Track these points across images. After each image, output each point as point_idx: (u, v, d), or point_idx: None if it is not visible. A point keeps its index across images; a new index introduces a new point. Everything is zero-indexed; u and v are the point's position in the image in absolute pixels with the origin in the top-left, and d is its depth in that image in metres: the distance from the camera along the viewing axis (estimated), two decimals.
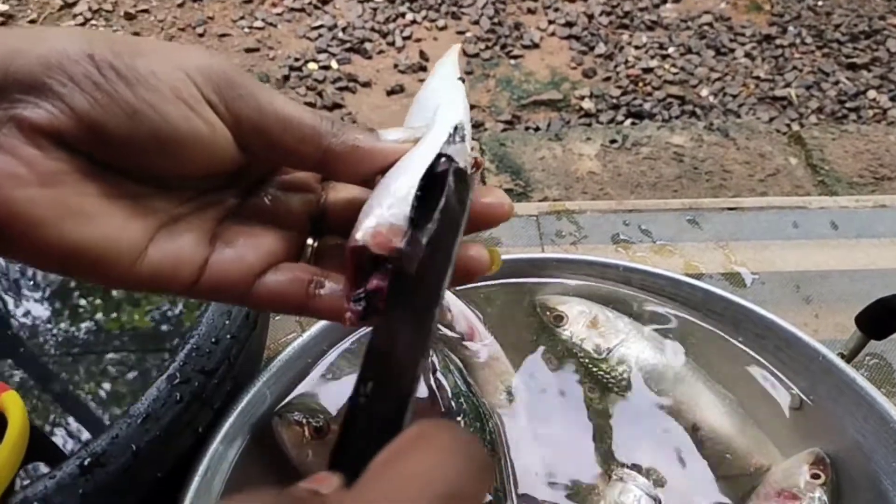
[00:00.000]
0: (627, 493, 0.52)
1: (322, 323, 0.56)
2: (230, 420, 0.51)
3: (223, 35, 2.06)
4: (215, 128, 0.29)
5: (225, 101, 0.29)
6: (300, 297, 0.32)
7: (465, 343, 0.59)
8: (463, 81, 0.37)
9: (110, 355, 0.61)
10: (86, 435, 0.56)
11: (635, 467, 0.54)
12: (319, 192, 0.35)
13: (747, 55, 2.02)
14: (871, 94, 1.90)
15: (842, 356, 0.56)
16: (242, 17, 2.12)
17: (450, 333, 0.59)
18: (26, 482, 0.44)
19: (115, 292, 0.64)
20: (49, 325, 0.63)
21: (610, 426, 0.57)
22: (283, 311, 0.33)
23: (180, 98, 0.28)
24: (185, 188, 0.31)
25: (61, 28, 0.30)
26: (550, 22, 2.12)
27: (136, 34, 1.97)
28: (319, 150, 0.30)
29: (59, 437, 0.56)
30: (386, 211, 0.29)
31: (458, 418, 0.54)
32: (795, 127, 1.76)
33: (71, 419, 0.57)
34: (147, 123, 0.27)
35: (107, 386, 0.60)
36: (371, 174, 0.32)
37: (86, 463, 0.44)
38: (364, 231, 0.29)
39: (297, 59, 1.98)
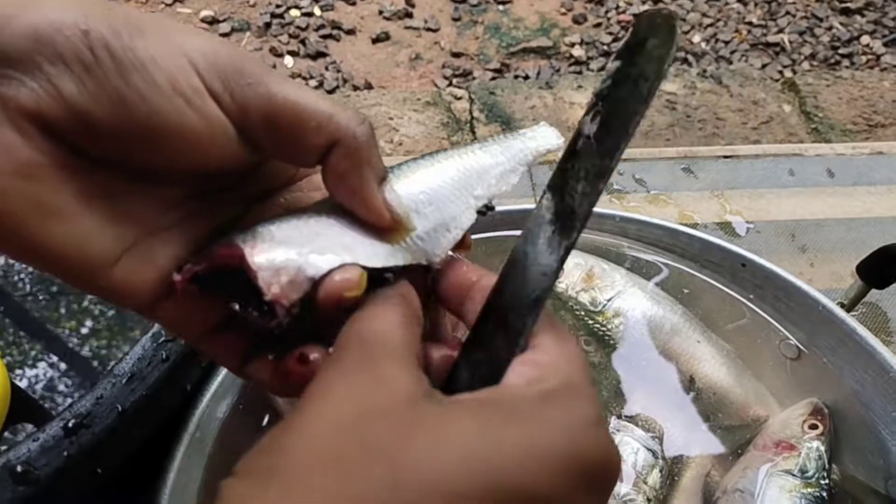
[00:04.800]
0: (625, 446, 0.51)
1: None
2: (219, 378, 0.50)
3: None
4: (213, 123, 0.26)
5: (231, 90, 0.26)
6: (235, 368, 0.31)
7: None
8: (487, 211, 0.33)
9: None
10: (71, 373, 0.55)
11: (632, 419, 0.54)
12: None
13: (740, 0, 1.98)
14: (865, 39, 1.87)
15: (842, 305, 0.56)
16: None
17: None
18: (9, 445, 0.43)
19: None
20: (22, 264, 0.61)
21: (606, 378, 0.56)
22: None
23: (177, 89, 0.25)
24: (177, 186, 0.29)
25: None
26: None
27: None
28: (330, 140, 0.27)
29: (41, 373, 0.55)
30: (306, 258, 0.27)
31: None
32: (788, 73, 1.74)
33: (54, 356, 0.56)
34: (135, 115, 0.25)
35: (89, 323, 0.59)
36: (347, 205, 0.29)
37: (70, 424, 0.43)
38: (274, 277, 0.26)
39: (278, 6, 1.92)
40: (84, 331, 0.59)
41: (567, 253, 0.28)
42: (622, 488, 0.50)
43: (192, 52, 0.26)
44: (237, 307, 0.28)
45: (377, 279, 0.29)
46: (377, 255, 0.29)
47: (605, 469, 0.25)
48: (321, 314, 0.27)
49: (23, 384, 0.54)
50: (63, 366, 0.56)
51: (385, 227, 0.29)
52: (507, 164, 0.33)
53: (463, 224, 0.32)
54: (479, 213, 0.32)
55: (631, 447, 0.52)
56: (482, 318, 0.28)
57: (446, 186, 0.32)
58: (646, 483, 0.51)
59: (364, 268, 0.28)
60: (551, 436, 0.24)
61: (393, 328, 0.27)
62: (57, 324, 0.59)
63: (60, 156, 0.25)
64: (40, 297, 0.60)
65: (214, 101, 0.26)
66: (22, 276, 0.62)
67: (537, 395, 0.25)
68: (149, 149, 0.26)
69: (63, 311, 0.60)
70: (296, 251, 0.27)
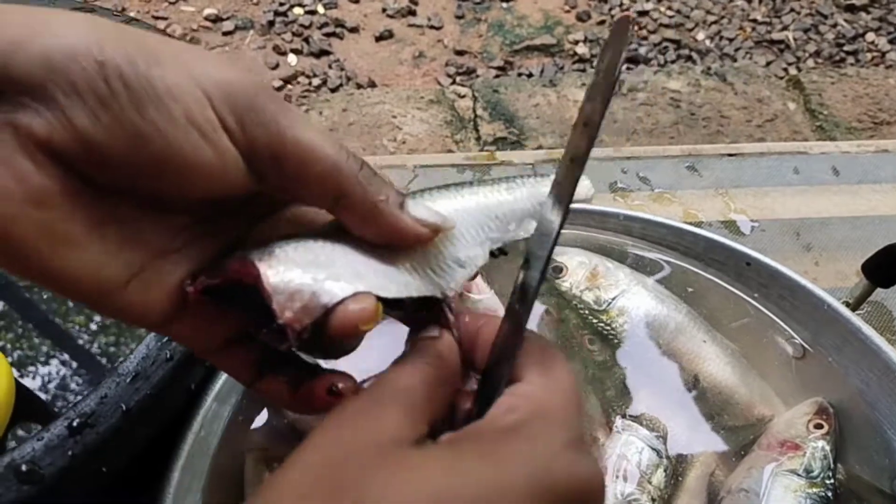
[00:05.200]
0: (629, 445, 0.51)
1: None
2: (223, 377, 0.50)
3: None
4: (226, 156, 0.26)
5: (242, 124, 0.26)
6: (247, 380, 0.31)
7: (463, 296, 0.58)
8: (499, 254, 0.33)
9: None
10: (81, 370, 0.55)
11: (636, 419, 0.54)
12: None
13: None
14: (870, 36, 1.87)
15: (847, 304, 0.55)
16: None
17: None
18: (13, 443, 0.43)
19: None
20: None
21: (610, 378, 0.56)
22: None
23: (193, 123, 0.25)
24: (185, 212, 0.29)
25: (71, 16, 0.25)
26: None
27: None
28: (336, 192, 0.27)
29: (53, 370, 0.55)
30: (322, 284, 0.27)
31: None
32: (793, 71, 1.73)
33: (64, 354, 0.56)
34: (150, 148, 0.25)
35: (97, 318, 0.59)
36: (378, 241, 0.29)
37: (74, 423, 0.43)
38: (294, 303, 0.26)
39: (281, 4, 1.92)
40: (93, 326, 0.59)
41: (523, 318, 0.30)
42: (627, 488, 0.50)
43: (207, 84, 0.25)
44: (251, 326, 0.28)
45: (391, 305, 0.29)
46: (391, 284, 0.29)
47: (582, 492, 0.25)
48: (332, 338, 0.28)
49: (36, 382, 0.54)
50: (74, 364, 0.56)
51: (426, 239, 0.29)
52: (529, 210, 0.33)
53: (476, 262, 0.31)
54: (492, 255, 0.32)
55: (635, 447, 0.51)
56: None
57: (464, 222, 0.31)
58: (650, 483, 0.51)
59: (378, 298, 0.28)
60: (516, 468, 0.24)
61: (416, 384, 0.27)
62: (66, 318, 0.59)
63: (70, 184, 0.25)
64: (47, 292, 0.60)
65: (228, 135, 0.26)
66: None
67: (506, 427, 0.26)
68: (160, 179, 0.26)
69: (71, 304, 0.60)
70: (311, 276, 0.27)
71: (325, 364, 0.31)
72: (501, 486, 0.24)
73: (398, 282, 0.29)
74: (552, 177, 0.32)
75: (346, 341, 0.29)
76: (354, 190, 0.27)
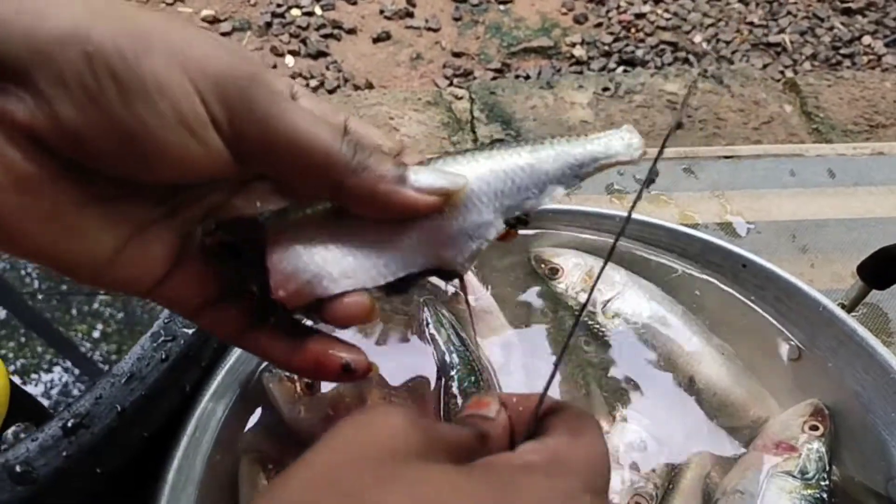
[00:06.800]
0: (633, 434, 0.52)
1: None
2: (219, 377, 0.50)
3: None
4: (213, 151, 0.26)
5: (232, 119, 0.25)
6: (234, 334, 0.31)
7: (458, 297, 0.58)
8: (519, 224, 0.30)
9: (102, 296, 0.60)
10: (84, 377, 0.55)
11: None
12: None
13: (741, 0, 1.98)
14: (866, 39, 1.87)
15: (842, 306, 0.56)
16: None
17: (443, 287, 0.58)
18: (8, 444, 0.43)
19: None
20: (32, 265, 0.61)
21: (606, 379, 0.56)
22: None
23: (181, 119, 0.25)
24: (169, 189, 0.29)
25: (63, 1, 0.24)
26: None
27: None
28: (331, 183, 0.27)
29: (56, 378, 0.55)
30: (320, 271, 0.27)
31: (451, 373, 0.53)
32: (789, 73, 1.73)
33: (69, 362, 0.56)
34: (137, 143, 0.25)
35: (100, 326, 0.59)
36: (385, 219, 0.28)
37: (69, 424, 0.43)
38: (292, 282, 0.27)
39: (279, 5, 1.92)
40: (95, 334, 0.59)
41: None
42: (633, 476, 0.50)
43: (198, 76, 0.25)
44: (248, 283, 0.29)
45: (395, 287, 0.29)
46: (393, 264, 0.28)
47: None
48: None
49: (38, 388, 0.54)
50: (76, 371, 0.56)
51: (436, 208, 0.28)
52: (555, 174, 0.29)
53: (488, 234, 0.29)
54: (509, 224, 0.29)
55: (640, 435, 0.52)
56: None
57: (475, 188, 0.28)
58: (653, 471, 0.51)
59: (378, 288, 0.28)
60: (529, 499, 0.24)
61: (449, 435, 0.26)
62: (69, 326, 0.59)
63: (55, 169, 0.25)
64: (52, 299, 0.60)
65: (216, 129, 0.26)
66: (30, 272, 0.62)
67: (522, 464, 0.25)
68: (146, 169, 0.26)
69: (74, 312, 0.60)
70: (312, 262, 0.27)
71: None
72: None
73: (401, 261, 0.28)
74: (598, 135, 0.30)
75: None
76: (349, 179, 0.27)
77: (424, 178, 0.27)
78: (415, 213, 0.28)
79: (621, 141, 0.29)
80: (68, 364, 0.56)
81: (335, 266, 0.28)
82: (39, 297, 0.60)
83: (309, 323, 0.31)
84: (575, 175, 0.29)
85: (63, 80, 0.23)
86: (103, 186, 0.26)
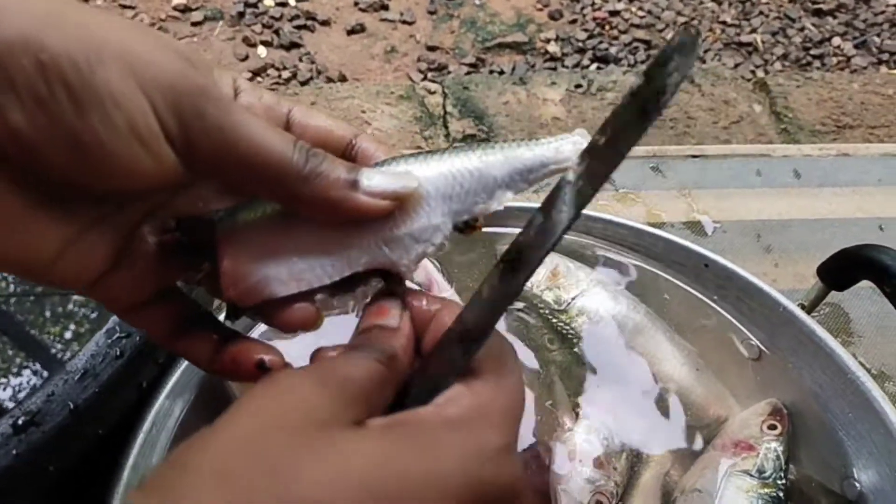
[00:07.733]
0: (594, 433, 0.52)
1: None
2: (176, 374, 0.49)
3: None
4: (165, 163, 0.26)
5: (185, 132, 0.25)
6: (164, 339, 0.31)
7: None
8: (467, 229, 0.30)
9: (76, 297, 0.59)
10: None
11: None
12: None
13: None
14: (836, 41, 1.90)
15: (802, 307, 0.56)
16: None
17: (408, 284, 0.58)
18: None
19: None
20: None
21: (569, 377, 0.56)
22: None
23: (134, 132, 0.24)
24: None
25: (16, 5, 0.23)
26: None
27: None
28: (283, 192, 0.27)
29: (23, 381, 0.54)
30: (267, 274, 0.28)
31: None
32: (760, 73, 1.75)
33: (38, 365, 0.55)
34: (88, 155, 0.24)
35: (72, 327, 0.57)
36: (337, 223, 0.28)
37: (20, 422, 0.42)
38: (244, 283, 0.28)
39: None
40: (67, 335, 0.57)
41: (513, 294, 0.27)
42: (593, 473, 0.50)
43: (151, 88, 0.25)
44: (194, 273, 0.30)
45: (341, 287, 0.29)
46: (339, 262, 0.28)
47: (503, 497, 0.26)
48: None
49: (7, 393, 0.53)
50: (45, 373, 0.55)
51: (389, 211, 0.28)
52: (503, 179, 0.29)
53: (434, 239, 0.29)
54: (458, 229, 0.29)
55: (600, 433, 0.52)
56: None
57: (422, 192, 0.28)
58: (615, 469, 0.51)
59: (324, 287, 0.28)
60: (449, 463, 0.24)
61: (360, 377, 0.26)
62: (42, 329, 0.58)
63: (3, 173, 0.25)
64: (25, 301, 0.59)
65: (168, 142, 0.25)
66: (4, 275, 0.60)
67: (442, 421, 0.26)
68: (96, 179, 0.26)
69: (48, 314, 0.59)
70: (261, 263, 0.28)
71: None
72: (431, 478, 0.24)
73: (346, 262, 0.28)
74: (548, 139, 0.29)
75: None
76: (301, 189, 0.27)
77: (376, 183, 0.27)
78: (366, 218, 0.28)
79: (572, 146, 0.29)
80: (37, 366, 0.55)
81: (284, 268, 0.28)
82: (13, 299, 0.59)
83: (229, 325, 0.31)
84: (524, 180, 0.29)
85: (13, 87, 0.23)
86: (51, 190, 0.26)
